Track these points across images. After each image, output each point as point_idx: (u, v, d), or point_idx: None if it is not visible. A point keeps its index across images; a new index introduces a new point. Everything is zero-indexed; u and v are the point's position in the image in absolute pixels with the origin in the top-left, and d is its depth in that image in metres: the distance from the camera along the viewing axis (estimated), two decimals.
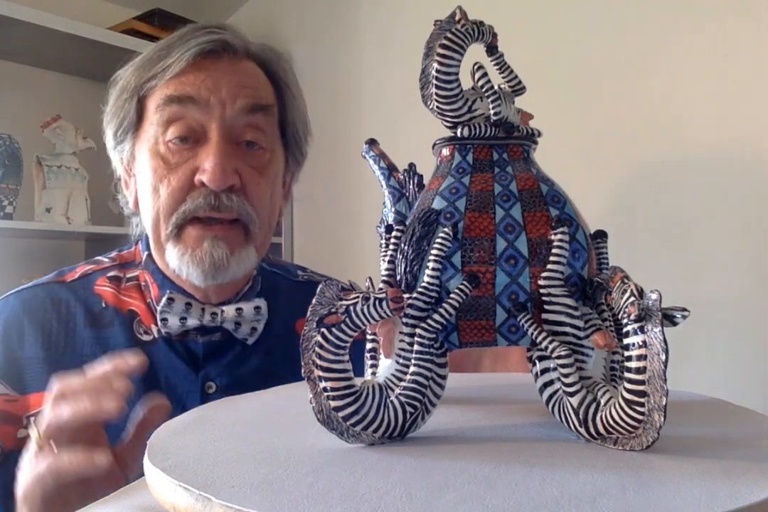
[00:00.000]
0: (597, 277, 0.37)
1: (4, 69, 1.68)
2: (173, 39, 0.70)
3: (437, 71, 0.38)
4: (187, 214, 0.68)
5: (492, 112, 0.40)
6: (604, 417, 0.33)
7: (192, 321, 0.71)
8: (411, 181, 0.42)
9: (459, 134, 0.38)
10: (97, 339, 0.71)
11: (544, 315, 0.35)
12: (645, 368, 0.30)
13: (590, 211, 0.47)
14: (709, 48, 1.13)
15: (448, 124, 0.40)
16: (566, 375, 0.33)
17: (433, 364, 0.34)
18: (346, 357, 0.33)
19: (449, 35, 0.38)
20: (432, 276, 0.34)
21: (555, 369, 0.34)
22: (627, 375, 0.31)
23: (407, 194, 0.42)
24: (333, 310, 0.32)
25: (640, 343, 0.31)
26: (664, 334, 0.30)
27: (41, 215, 1.60)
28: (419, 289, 0.34)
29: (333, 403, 0.32)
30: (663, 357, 0.29)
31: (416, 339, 0.34)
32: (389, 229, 0.40)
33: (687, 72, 1.16)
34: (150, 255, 0.75)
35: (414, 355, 0.34)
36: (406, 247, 0.35)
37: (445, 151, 0.40)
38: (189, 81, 0.68)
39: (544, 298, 0.35)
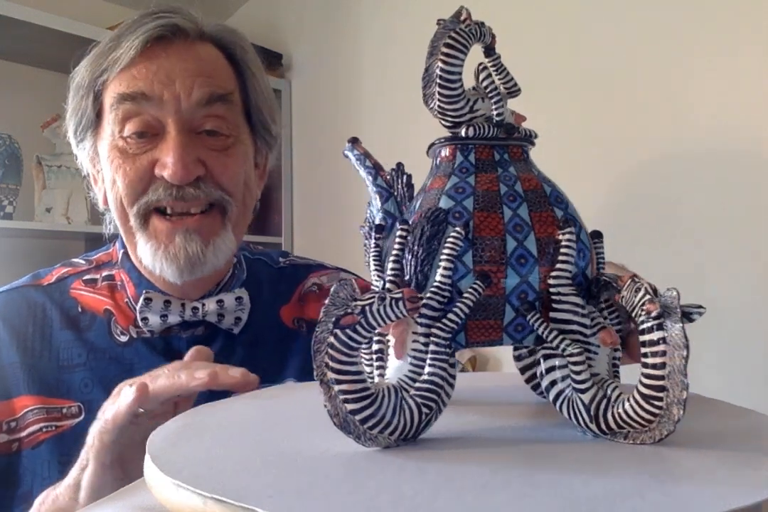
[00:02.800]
0: (604, 276, 0.37)
1: (4, 69, 1.68)
2: (123, 28, 0.67)
3: (441, 70, 0.37)
4: (149, 205, 0.66)
5: (495, 112, 0.40)
6: (617, 412, 0.33)
7: (173, 318, 0.69)
8: (399, 181, 0.42)
9: (464, 134, 0.38)
10: (74, 342, 0.70)
11: (552, 314, 0.35)
12: (665, 364, 0.31)
13: (588, 211, 0.47)
14: (708, 45, 1.13)
15: (448, 124, 0.39)
16: (578, 373, 0.34)
17: (447, 364, 0.34)
18: (359, 359, 0.32)
19: (453, 35, 0.37)
20: (445, 276, 0.34)
21: (562, 367, 0.35)
22: (645, 370, 0.32)
23: (396, 194, 0.42)
24: (349, 311, 0.31)
25: (661, 340, 0.31)
26: (685, 330, 0.30)
27: (41, 215, 1.60)
28: (432, 289, 0.34)
29: (349, 406, 0.31)
30: (684, 352, 0.30)
31: (432, 339, 0.34)
32: (379, 228, 0.40)
33: (686, 69, 1.16)
34: (126, 252, 0.73)
35: (430, 356, 0.33)
36: (416, 247, 0.35)
37: (446, 151, 0.39)
38: (141, 75, 0.65)
39: (553, 297, 0.35)
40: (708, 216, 1.13)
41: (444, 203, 0.36)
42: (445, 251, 0.34)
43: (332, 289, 0.32)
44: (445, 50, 0.37)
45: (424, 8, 1.55)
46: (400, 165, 0.42)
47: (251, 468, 0.30)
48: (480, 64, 0.39)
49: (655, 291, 0.32)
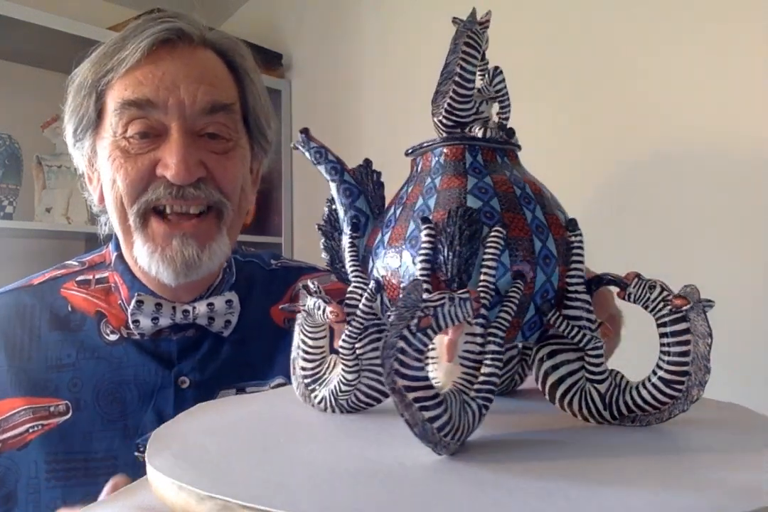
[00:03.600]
0: (608, 275, 0.38)
1: (4, 69, 1.68)
2: (128, 31, 0.69)
3: (461, 68, 0.37)
4: (149, 204, 0.66)
5: (504, 116, 0.40)
6: (629, 398, 0.36)
7: (164, 321, 0.69)
8: (370, 179, 0.41)
9: (481, 135, 0.37)
10: (63, 343, 0.70)
11: (565, 311, 0.37)
12: (690, 351, 0.34)
13: (574, 210, 0.46)
14: (697, 46, 1.14)
15: (450, 123, 0.38)
16: (598, 365, 0.36)
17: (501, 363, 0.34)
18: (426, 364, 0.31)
19: (472, 35, 0.37)
20: (492, 275, 0.34)
21: (574, 360, 0.37)
22: (669, 358, 0.35)
23: (368, 191, 0.40)
24: (425, 313, 0.30)
25: (686, 330, 0.34)
26: (708, 320, 0.34)
27: (41, 215, 1.60)
28: (482, 289, 0.34)
29: (427, 414, 0.30)
30: (708, 340, 0.34)
31: (490, 339, 0.33)
32: (354, 227, 0.39)
33: (678, 69, 1.17)
34: (119, 255, 0.74)
35: (489, 356, 0.33)
36: (459, 247, 0.34)
37: (452, 151, 0.38)
38: (147, 80, 0.66)
39: (569, 295, 0.36)
40: (696, 214, 1.15)
41: (472, 202, 0.36)
42: (490, 251, 0.34)
43: (405, 290, 0.31)
44: (464, 49, 0.37)
45: (424, 8, 1.56)
46: (369, 162, 0.41)
47: (347, 483, 0.28)
48: (496, 67, 0.39)
49: (667, 287, 0.35)
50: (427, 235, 0.35)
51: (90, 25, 1.56)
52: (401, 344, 0.29)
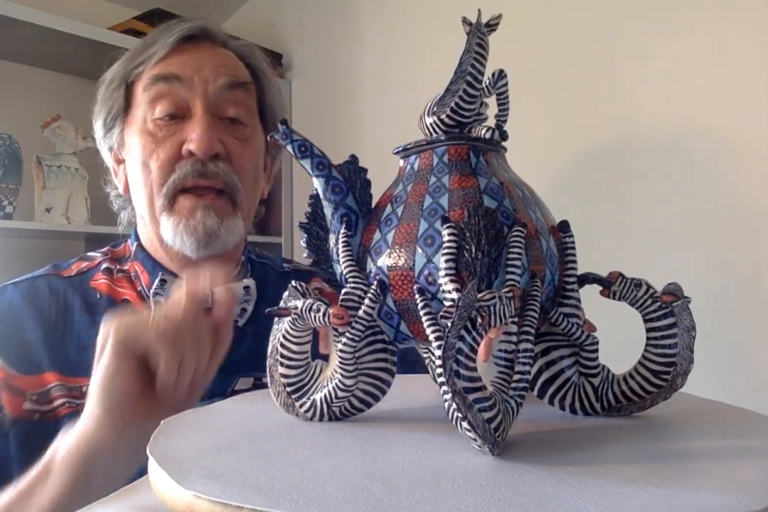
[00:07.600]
0: (592, 274, 0.40)
1: (4, 69, 1.68)
2: (157, 31, 0.76)
3: (473, 67, 0.37)
4: (176, 184, 0.71)
5: (503, 119, 0.40)
6: (618, 390, 0.38)
7: None
8: (357, 176, 0.40)
9: (489, 136, 0.37)
10: (93, 325, 0.72)
11: (561, 309, 0.38)
12: (677, 344, 0.37)
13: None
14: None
15: (452, 123, 0.38)
16: (593, 359, 0.38)
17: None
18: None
19: (482, 36, 0.37)
20: (518, 274, 0.34)
21: (569, 356, 0.38)
22: (658, 350, 0.37)
23: (356, 189, 0.39)
24: (483, 313, 0.29)
25: (673, 324, 0.37)
26: (692, 315, 0.37)
27: (41, 215, 1.60)
28: (511, 287, 0.33)
29: (486, 415, 0.30)
30: (693, 333, 0.37)
31: (523, 337, 0.33)
32: (348, 226, 0.38)
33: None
34: (139, 245, 0.77)
35: (523, 354, 0.33)
36: (487, 246, 0.33)
37: (456, 150, 0.38)
38: (173, 62, 0.73)
39: (565, 293, 0.38)
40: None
41: (488, 202, 0.35)
42: (516, 250, 0.34)
43: (466, 289, 0.30)
44: (477, 49, 0.37)
45: (424, 9, 1.56)
46: (355, 158, 0.40)
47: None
48: (501, 70, 0.39)
49: (651, 285, 0.38)
50: (450, 234, 0.34)
51: (90, 25, 1.57)
52: (460, 345, 0.29)
